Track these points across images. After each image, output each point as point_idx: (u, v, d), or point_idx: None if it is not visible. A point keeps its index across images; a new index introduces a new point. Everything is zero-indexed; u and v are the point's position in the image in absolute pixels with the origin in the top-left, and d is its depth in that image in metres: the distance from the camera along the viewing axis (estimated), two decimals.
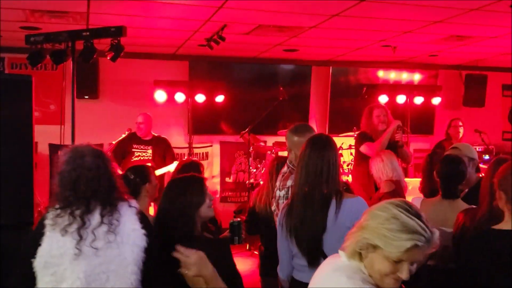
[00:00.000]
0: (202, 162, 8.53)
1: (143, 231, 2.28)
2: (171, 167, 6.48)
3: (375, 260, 1.81)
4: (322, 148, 2.87)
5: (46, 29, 6.25)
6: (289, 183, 3.38)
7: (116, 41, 4.86)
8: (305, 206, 2.81)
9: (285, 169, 3.56)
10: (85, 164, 2.31)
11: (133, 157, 6.74)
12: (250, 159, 7.72)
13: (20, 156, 4.08)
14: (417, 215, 1.79)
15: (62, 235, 2.21)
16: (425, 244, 1.75)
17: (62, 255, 2.19)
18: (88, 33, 4.83)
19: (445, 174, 3.55)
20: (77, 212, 2.23)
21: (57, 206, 2.29)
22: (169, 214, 2.64)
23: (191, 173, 3.40)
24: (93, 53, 4.91)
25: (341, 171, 3.01)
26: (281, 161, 4.19)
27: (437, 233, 1.79)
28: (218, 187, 8.71)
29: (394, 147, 5.77)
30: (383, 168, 4.31)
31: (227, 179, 8.78)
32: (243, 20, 6.07)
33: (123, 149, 6.66)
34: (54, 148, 7.86)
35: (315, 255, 2.76)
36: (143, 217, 2.36)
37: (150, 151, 6.79)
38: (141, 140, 6.79)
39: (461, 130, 6.80)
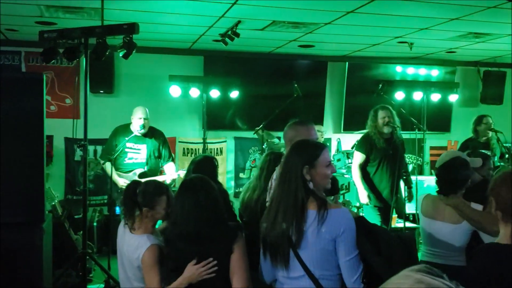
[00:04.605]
0: (216, 157, 8.56)
1: None
2: (173, 175, 6.30)
3: None
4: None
5: (61, 24, 6.30)
6: None
7: (128, 38, 4.83)
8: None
9: None
10: None
11: (126, 159, 6.32)
12: (264, 155, 7.68)
13: (30, 153, 4.09)
14: (439, 275, 1.82)
15: None
16: None
17: None
18: (100, 30, 4.83)
19: (441, 176, 3.64)
20: None
21: None
22: None
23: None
24: (105, 50, 4.90)
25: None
26: (274, 156, 4.15)
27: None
28: (232, 183, 8.72)
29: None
30: None
31: (241, 175, 8.77)
32: (257, 16, 6.03)
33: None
34: (69, 142, 7.95)
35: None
36: None
37: (144, 150, 6.35)
38: (137, 138, 6.30)
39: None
